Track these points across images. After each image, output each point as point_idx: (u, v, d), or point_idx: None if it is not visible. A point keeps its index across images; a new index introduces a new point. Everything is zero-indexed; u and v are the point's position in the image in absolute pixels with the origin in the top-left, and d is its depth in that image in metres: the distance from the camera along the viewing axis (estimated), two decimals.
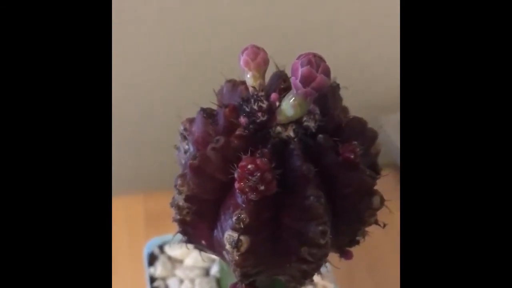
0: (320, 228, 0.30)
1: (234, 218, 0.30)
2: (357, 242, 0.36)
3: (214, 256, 0.54)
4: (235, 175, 0.29)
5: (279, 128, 0.32)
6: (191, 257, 0.54)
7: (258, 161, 0.29)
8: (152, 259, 0.54)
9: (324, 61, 0.29)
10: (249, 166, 0.29)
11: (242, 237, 0.30)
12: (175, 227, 0.54)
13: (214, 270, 0.53)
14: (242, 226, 0.30)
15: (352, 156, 0.31)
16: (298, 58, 0.29)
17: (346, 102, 0.33)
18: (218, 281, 0.52)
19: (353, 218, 0.33)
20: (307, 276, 0.34)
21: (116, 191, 0.61)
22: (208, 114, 0.33)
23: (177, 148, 0.37)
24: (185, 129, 0.35)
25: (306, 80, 0.29)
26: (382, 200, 0.33)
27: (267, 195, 0.29)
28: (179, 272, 0.53)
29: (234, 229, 0.30)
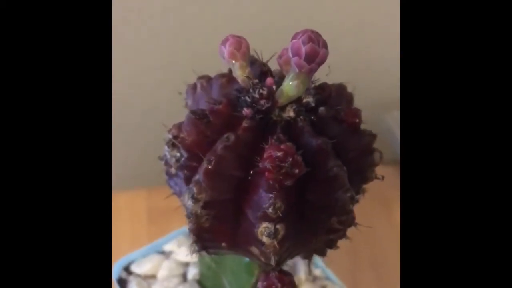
0: (348, 194, 0.31)
1: (270, 209, 0.29)
2: (357, 201, 0.37)
3: (186, 260, 0.53)
4: (266, 166, 0.29)
5: (277, 112, 0.32)
6: (163, 268, 0.52)
7: (283, 147, 0.29)
8: (123, 284, 0.51)
9: (320, 35, 0.29)
10: (279, 154, 0.28)
11: (278, 226, 0.30)
12: (178, 222, 0.52)
13: (191, 273, 0.52)
14: (280, 214, 0.30)
15: (357, 120, 0.32)
16: (294, 38, 0.29)
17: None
18: (200, 283, 0.51)
19: (357, 178, 0.35)
20: (332, 245, 0.35)
21: (119, 187, 0.59)
22: (199, 115, 0.32)
23: (163, 159, 0.35)
24: (175, 137, 0.33)
25: (311, 57, 0.29)
26: (381, 155, 0.35)
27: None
28: (157, 287, 0.51)
29: (269, 219, 0.30)
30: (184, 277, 0.52)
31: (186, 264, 0.53)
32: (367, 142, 0.33)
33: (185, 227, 0.55)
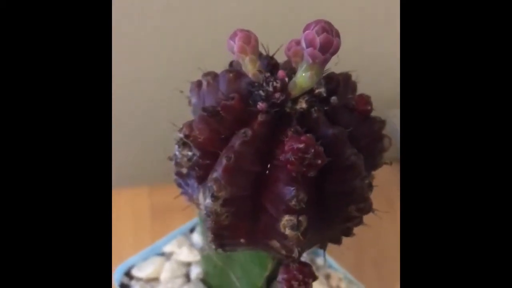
0: (366, 181, 0.32)
1: (293, 202, 0.29)
2: None
3: (188, 260, 0.53)
4: (288, 159, 0.29)
5: (290, 104, 0.32)
6: (165, 270, 0.51)
7: (303, 138, 0.29)
8: None
9: (332, 25, 0.29)
10: (300, 146, 0.28)
11: (301, 218, 0.30)
12: (181, 219, 0.52)
13: (194, 272, 0.51)
14: (303, 206, 0.30)
15: (369, 108, 0.32)
16: (307, 29, 0.29)
17: None
18: (204, 282, 0.51)
19: (368, 164, 0.35)
20: (349, 232, 0.35)
21: (120, 184, 0.60)
22: (212, 112, 0.32)
23: (173, 159, 0.35)
24: (186, 136, 0.33)
25: (325, 47, 0.29)
26: (390, 140, 0.35)
27: None
28: None
29: (292, 212, 0.30)
30: (187, 277, 0.52)
31: (188, 264, 0.52)
32: (378, 129, 0.34)
33: (183, 227, 0.55)
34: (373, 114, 0.35)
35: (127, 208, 0.62)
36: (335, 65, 0.33)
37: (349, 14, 0.59)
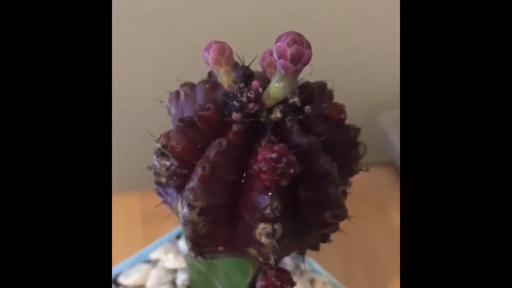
0: (340, 189, 0.32)
1: (267, 210, 0.30)
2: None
3: (174, 267, 0.53)
4: (261, 168, 0.29)
5: (264, 113, 0.32)
6: (152, 277, 0.52)
7: (276, 148, 0.29)
8: None
9: (303, 36, 0.30)
10: (273, 155, 0.29)
11: (276, 226, 0.31)
12: (172, 225, 0.52)
13: (180, 279, 0.52)
14: (277, 214, 0.30)
15: (343, 116, 0.33)
16: (279, 40, 0.30)
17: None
18: None
19: (344, 171, 0.36)
20: (326, 239, 0.35)
21: (112, 189, 0.59)
22: (188, 123, 0.32)
23: (151, 168, 0.35)
24: (164, 146, 0.33)
25: (296, 59, 0.29)
26: (366, 147, 0.36)
27: None
28: None
29: (267, 220, 0.31)
30: (173, 284, 0.52)
31: (174, 271, 0.53)
32: (353, 136, 0.34)
33: (170, 233, 0.56)
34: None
35: (119, 213, 0.63)
36: (309, 75, 0.34)
37: (349, 15, 0.60)
